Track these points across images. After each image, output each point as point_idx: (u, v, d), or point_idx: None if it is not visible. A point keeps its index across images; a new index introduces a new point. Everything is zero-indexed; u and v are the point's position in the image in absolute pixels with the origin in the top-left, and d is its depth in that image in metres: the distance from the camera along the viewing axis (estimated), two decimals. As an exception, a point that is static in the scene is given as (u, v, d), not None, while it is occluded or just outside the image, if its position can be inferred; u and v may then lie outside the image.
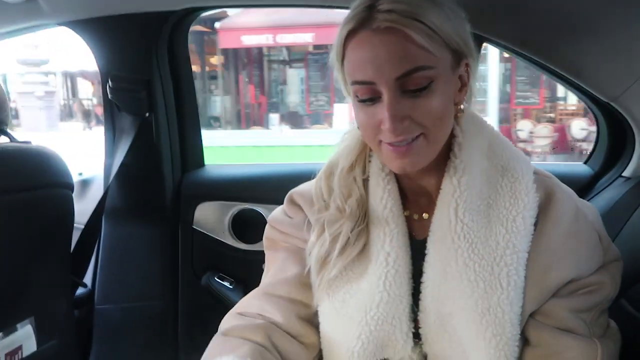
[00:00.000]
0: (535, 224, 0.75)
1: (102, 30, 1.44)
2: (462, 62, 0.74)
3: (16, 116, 11.13)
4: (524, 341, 0.77)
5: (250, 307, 0.87)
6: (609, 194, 1.25)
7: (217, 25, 9.65)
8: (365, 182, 0.83)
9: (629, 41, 1.08)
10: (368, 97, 0.71)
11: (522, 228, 0.74)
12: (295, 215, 0.90)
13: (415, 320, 0.80)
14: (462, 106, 0.77)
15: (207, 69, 11.39)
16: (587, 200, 1.30)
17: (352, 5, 0.71)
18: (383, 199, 0.80)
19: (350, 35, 0.70)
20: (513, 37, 1.23)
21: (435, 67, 0.69)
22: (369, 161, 0.84)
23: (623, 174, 1.30)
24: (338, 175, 0.83)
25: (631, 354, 0.84)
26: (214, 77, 11.68)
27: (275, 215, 0.94)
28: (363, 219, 0.81)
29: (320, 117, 10.70)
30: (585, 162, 1.47)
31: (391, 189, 0.81)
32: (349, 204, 0.81)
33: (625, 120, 1.24)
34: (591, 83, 1.21)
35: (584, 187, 1.36)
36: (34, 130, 9.73)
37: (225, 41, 10.11)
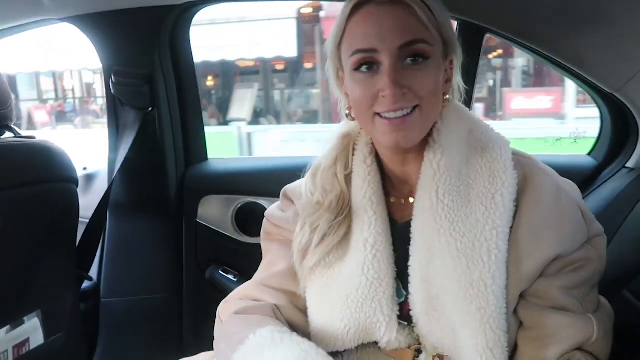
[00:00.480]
0: (517, 203, 0.77)
1: (104, 25, 1.44)
2: (448, 57, 0.79)
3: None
4: (518, 324, 0.78)
5: (247, 295, 0.92)
6: (613, 185, 1.25)
7: (321, 14, 9.25)
8: (348, 176, 0.87)
9: (632, 32, 1.08)
10: (368, 62, 0.74)
11: (501, 205, 0.76)
12: (287, 209, 0.95)
13: (405, 303, 0.82)
14: (447, 97, 0.81)
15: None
16: (591, 192, 1.30)
17: None
18: (363, 188, 0.84)
19: (355, 10, 0.75)
20: (516, 29, 1.22)
21: (432, 45, 0.74)
22: (353, 155, 0.87)
23: (627, 165, 1.30)
24: (320, 173, 0.88)
25: (634, 345, 0.84)
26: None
27: (270, 209, 0.99)
28: (343, 211, 0.85)
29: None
30: (589, 154, 1.47)
31: (371, 180, 0.84)
32: (329, 199, 0.85)
33: (628, 111, 1.23)
34: (594, 74, 1.20)
35: (587, 179, 1.36)
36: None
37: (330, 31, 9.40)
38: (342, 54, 0.78)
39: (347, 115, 0.84)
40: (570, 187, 0.81)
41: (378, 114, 0.75)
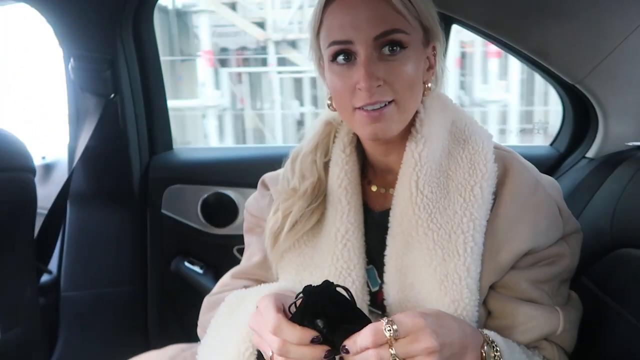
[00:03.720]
0: (495, 196, 0.78)
1: (64, 7, 1.38)
2: (430, 43, 0.77)
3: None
4: (487, 313, 0.79)
5: (222, 284, 0.95)
6: (573, 174, 1.28)
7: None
8: (327, 164, 0.86)
9: (594, 24, 1.10)
10: (345, 55, 0.73)
11: (480, 197, 0.76)
12: (262, 198, 0.94)
13: (379, 292, 0.82)
14: (429, 85, 0.80)
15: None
16: (552, 181, 1.33)
17: None
18: (339, 178, 0.84)
19: (330, 0, 0.73)
20: (482, 19, 1.23)
21: (410, 34, 0.72)
22: (333, 142, 0.87)
23: (586, 155, 1.33)
24: (300, 158, 0.87)
25: (590, 330, 0.86)
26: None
27: (248, 200, 0.99)
28: (317, 198, 0.85)
29: None
30: (551, 144, 1.50)
31: (348, 169, 0.84)
32: (304, 185, 0.85)
33: (589, 103, 1.26)
34: (557, 65, 1.23)
35: (549, 168, 1.39)
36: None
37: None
38: (320, 43, 0.77)
39: (328, 106, 0.83)
40: (550, 183, 0.81)
41: (357, 108, 0.74)
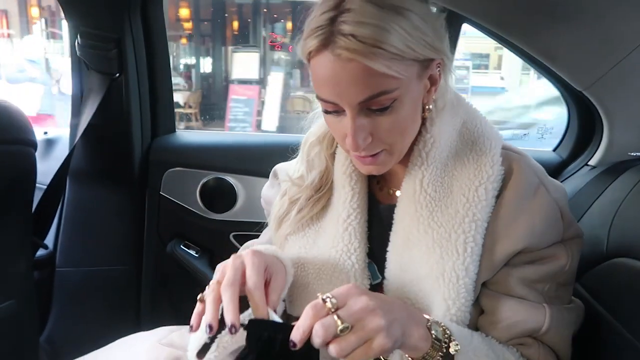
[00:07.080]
0: (498, 197, 0.77)
1: (73, -18, 1.37)
2: (433, 63, 0.72)
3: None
4: (479, 313, 0.80)
5: None
6: (574, 182, 1.28)
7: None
8: (334, 154, 0.88)
9: (605, 32, 1.09)
10: (333, 110, 0.72)
11: (484, 198, 0.76)
12: (272, 187, 0.98)
13: (380, 288, 0.82)
14: (429, 107, 0.77)
15: None
16: (553, 187, 1.32)
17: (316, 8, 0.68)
18: (344, 165, 0.85)
19: (313, 52, 0.68)
20: (493, 19, 1.22)
21: (398, 87, 0.68)
22: None
23: (589, 163, 1.33)
24: (308, 148, 0.89)
25: (584, 337, 0.86)
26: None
27: (263, 189, 1.02)
28: (323, 187, 0.87)
29: None
30: (554, 150, 1.50)
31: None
32: (312, 175, 0.87)
33: (595, 110, 1.26)
34: (565, 71, 1.22)
35: (551, 174, 1.36)
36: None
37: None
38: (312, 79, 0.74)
39: None
40: (555, 187, 0.80)
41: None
